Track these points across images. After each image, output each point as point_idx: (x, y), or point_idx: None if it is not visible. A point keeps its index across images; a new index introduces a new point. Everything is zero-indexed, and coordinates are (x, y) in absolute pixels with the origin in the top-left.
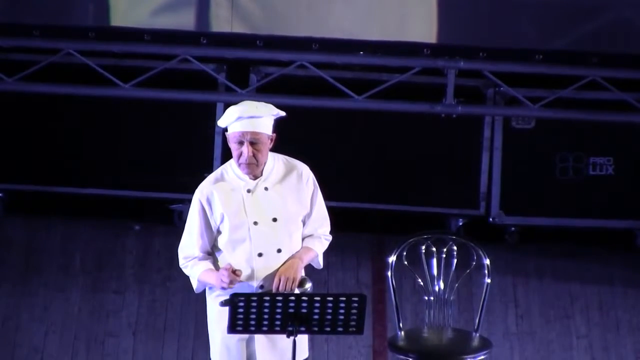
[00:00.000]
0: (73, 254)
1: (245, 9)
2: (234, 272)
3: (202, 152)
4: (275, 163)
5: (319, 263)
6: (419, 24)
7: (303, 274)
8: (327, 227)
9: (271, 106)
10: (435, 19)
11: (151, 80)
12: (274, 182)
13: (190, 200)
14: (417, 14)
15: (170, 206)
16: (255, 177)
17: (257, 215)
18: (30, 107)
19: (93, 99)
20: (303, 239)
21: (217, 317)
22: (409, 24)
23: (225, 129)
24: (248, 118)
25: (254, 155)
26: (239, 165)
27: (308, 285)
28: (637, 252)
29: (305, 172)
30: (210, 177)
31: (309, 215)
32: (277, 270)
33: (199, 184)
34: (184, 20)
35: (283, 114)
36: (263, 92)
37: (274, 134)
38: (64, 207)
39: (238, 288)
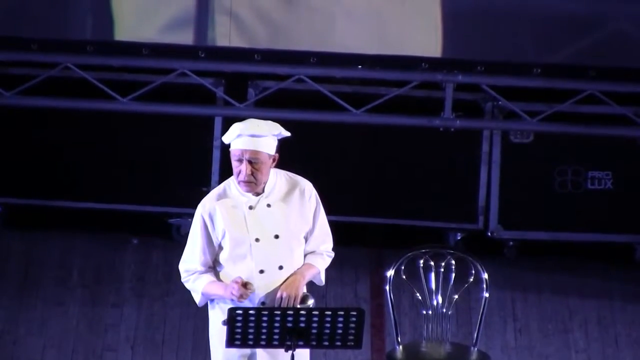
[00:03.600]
0: (71, 268)
1: (244, 23)
2: (245, 286)
3: (201, 166)
4: (277, 179)
5: (321, 280)
6: (421, 38)
7: (305, 290)
8: (329, 243)
9: (276, 126)
10: (440, 33)
11: (149, 94)
12: (276, 198)
13: (188, 214)
14: (420, 28)
15: (168, 220)
16: (257, 194)
17: (258, 232)
18: (28, 121)
19: (91, 112)
20: (305, 256)
21: (218, 332)
22: (410, 38)
23: (229, 145)
24: (248, 136)
25: (253, 174)
26: (238, 182)
27: (310, 302)
28: (636, 266)
29: (307, 189)
30: (213, 193)
31: (311, 231)
32: (279, 287)
33: (197, 198)
34: (183, 34)
35: (287, 134)
36: (261, 106)
37: (277, 154)
38: (62, 220)
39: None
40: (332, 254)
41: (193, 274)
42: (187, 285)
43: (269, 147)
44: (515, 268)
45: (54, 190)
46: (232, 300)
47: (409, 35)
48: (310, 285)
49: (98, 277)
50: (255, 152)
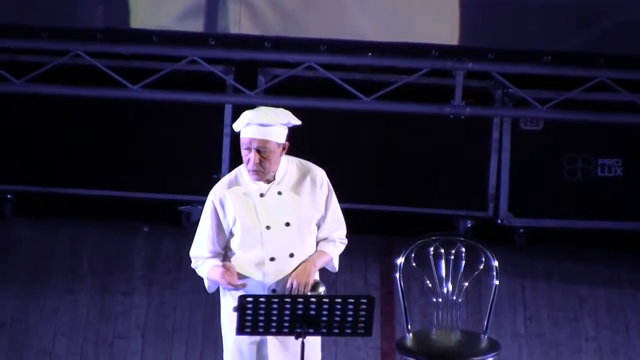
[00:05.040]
0: (81, 256)
1: (255, 10)
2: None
3: (211, 153)
4: (289, 166)
5: (334, 267)
6: (437, 26)
7: (317, 277)
8: (342, 230)
9: (286, 114)
10: (457, 22)
11: (159, 82)
12: (287, 186)
13: (198, 202)
14: (435, 16)
15: (178, 208)
16: (268, 181)
17: (269, 220)
18: (38, 109)
19: (101, 100)
20: (318, 242)
21: (229, 319)
22: (425, 26)
23: (239, 133)
24: (257, 125)
25: (261, 163)
26: (248, 171)
27: (321, 289)
28: None
29: (319, 176)
30: (225, 180)
31: (323, 218)
32: (290, 274)
33: (207, 185)
34: (194, 22)
35: (297, 122)
36: (271, 94)
37: (287, 143)
38: (72, 208)
39: (250, 291)
40: (346, 241)
41: (200, 260)
42: (197, 272)
43: (277, 136)
44: (525, 256)
45: (64, 178)
46: (229, 289)
47: (422, 23)
48: (320, 272)
49: (108, 265)
50: (263, 141)
